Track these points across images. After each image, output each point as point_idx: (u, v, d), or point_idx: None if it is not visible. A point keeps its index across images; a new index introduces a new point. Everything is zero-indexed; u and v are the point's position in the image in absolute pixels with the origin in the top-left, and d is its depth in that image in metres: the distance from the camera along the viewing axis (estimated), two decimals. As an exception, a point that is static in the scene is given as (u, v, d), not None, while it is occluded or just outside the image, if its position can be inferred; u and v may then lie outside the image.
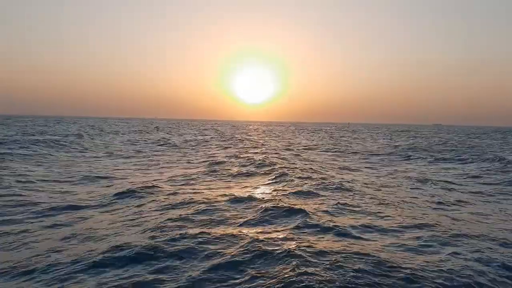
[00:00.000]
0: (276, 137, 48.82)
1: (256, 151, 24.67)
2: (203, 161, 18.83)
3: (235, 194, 10.31)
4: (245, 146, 29.72)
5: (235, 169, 15.49)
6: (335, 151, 27.49)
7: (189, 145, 31.10)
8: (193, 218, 7.88)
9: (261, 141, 37.45)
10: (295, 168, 15.32)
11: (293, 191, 10.70)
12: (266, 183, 12.56)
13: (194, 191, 11.06)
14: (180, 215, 8.06)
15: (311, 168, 15.71)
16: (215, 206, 8.90)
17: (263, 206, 8.64)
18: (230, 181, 13.19)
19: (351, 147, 32.27)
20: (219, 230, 6.99)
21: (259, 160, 17.81)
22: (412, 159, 22.53)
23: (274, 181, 12.71)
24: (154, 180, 12.97)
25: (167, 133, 51.50)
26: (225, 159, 19.19)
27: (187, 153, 24.01)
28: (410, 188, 12.15)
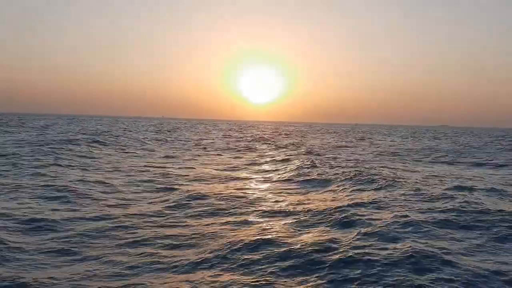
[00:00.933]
0: (303, 137, 47.78)
1: (302, 151, 23.85)
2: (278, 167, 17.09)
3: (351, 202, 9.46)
4: (290, 147, 28.71)
5: (323, 176, 13.88)
6: (382, 153, 26.46)
7: (227, 147, 30.35)
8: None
9: (288, 142, 36.49)
10: (379, 173, 13.86)
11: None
12: (368, 190, 11.05)
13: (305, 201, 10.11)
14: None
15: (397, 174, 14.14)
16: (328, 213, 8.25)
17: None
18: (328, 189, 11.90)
19: (394, 148, 31.33)
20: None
21: (325, 164, 16.46)
22: (461, 163, 21.14)
23: (374, 189, 11.19)
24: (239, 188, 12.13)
25: (190, 134, 50.92)
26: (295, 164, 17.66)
27: (236, 156, 22.94)
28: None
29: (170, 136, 41.58)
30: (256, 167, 17.23)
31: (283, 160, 19.28)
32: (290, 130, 76.54)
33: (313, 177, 13.59)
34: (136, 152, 22.53)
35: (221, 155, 23.11)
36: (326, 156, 21.75)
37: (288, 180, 13.55)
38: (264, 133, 58.76)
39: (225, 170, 16.14)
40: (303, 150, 25.08)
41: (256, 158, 21.04)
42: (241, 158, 21.45)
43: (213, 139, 38.76)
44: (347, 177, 12.81)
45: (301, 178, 13.60)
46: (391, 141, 44.84)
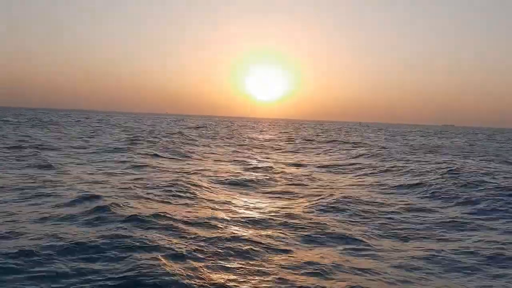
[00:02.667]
0: (344, 135, 47.72)
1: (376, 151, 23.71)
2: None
3: None
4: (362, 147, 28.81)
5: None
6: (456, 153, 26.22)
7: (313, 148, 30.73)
8: None
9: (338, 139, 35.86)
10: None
11: None
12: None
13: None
14: None
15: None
16: None
17: None
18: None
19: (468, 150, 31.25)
20: None
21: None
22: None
23: None
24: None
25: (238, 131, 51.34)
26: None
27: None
28: None
29: (230, 136, 42.15)
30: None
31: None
32: (319, 130, 76.94)
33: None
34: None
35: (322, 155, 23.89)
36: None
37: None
38: (307, 132, 59.08)
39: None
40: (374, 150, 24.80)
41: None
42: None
43: (274, 139, 39.20)
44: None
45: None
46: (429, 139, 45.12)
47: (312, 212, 9.03)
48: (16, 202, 8.49)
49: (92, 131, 34.98)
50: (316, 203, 9.85)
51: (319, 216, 8.63)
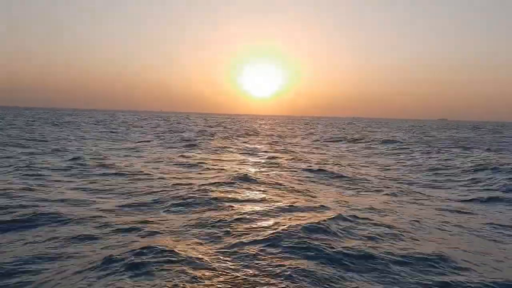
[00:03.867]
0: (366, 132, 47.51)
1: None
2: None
3: None
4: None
5: None
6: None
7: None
8: None
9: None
10: None
11: None
12: None
13: None
14: None
15: None
16: None
17: None
18: None
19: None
20: None
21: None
22: None
23: None
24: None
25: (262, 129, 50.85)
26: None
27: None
28: None
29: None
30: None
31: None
32: (340, 127, 76.63)
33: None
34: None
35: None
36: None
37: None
38: (314, 129, 58.93)
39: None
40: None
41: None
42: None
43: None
44: None
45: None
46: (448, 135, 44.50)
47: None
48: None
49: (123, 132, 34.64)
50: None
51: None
